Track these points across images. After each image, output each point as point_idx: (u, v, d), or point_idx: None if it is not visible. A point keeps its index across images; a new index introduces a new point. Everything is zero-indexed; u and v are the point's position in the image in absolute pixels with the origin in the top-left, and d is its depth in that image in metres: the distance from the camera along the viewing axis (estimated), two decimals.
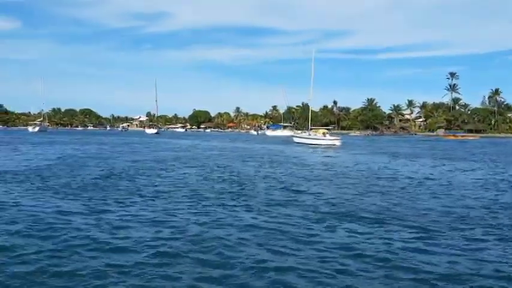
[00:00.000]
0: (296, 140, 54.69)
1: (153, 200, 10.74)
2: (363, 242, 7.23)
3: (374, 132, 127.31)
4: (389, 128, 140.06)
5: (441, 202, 11.25)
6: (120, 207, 9.80)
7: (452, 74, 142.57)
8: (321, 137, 49.75)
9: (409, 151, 38.59)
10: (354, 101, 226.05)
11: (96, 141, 49.81)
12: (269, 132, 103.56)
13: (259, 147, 43.45)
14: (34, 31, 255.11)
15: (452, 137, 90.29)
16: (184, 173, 16.97)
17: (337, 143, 47.04)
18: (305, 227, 8.15)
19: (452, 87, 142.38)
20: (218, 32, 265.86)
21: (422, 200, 11.49)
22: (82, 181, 13.98)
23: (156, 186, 13.25)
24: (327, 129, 56.53)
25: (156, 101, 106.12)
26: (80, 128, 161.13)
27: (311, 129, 56.73)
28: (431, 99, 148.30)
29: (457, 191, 13.32)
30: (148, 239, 7.13)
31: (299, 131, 65.42)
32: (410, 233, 7.89)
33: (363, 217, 9.12)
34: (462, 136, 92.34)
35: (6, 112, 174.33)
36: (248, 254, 6.45)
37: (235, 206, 10.20)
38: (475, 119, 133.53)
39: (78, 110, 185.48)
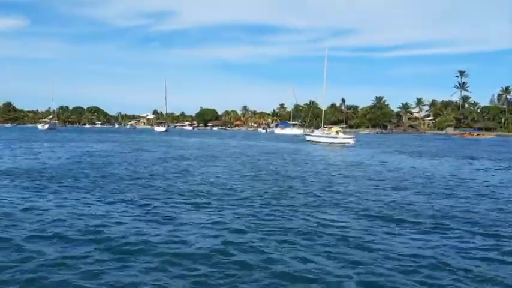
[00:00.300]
0: (308, 138, 54.11)
1: (196, 200, 10.32)
2: (434, 250, 6.75)
3: (383, 131, 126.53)
4: (398, 126, 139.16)
5: (493, 204, 10.74)
6: (168, 208, 9.35)
7: (462, 72, 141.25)
8: (335, 135, 49.23)
9: (428, 150, 37.93)
10: (362, 99, 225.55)
11: (109, 139, 49.55)
12: (278, 131, 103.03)
13: (273, 145, 42.97)
14: (43, 30, 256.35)
15: (468, 135, 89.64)
16: (215, 172, 16.51)
17: (351, 141, 46.51)
18: (365, 232, 7.67)
19: (462, 85, 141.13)
20: (225, 30, 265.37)
21: (472, 202, 10.95)
22: (113, 181, 13.56)
23: (191, 185, 12.84)
24: (341, 127, 55.88)
25: (166, 99, 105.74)
26: (87, 126, 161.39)
27: (324, 127, 56.21)
28: (440, 97, 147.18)
29: (503, 192, 12.80)
30: (208, 246, 6.67)
31: (309, 129, 64.90)
32: (480, 240, 7.39)
33: (420, 222, 8.60)
34: (478, 135, 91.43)
35: (15, 110, 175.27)
36: (320, 266, 5.93)
37: (281, 207, 9.71)
38: (485, 117, 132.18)
39: (85, 107, 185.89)
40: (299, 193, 11.83)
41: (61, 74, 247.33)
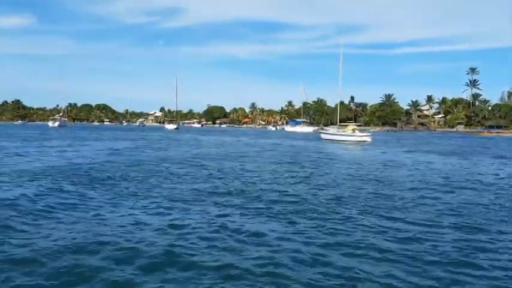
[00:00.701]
0: (324, 136, 53.39)
1: (259, 206, 9.60)
2: None
3: (394, 128, 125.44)
4: (408, 124, 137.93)
5: None
6: (244, 218, 8.53)
7: (473, 69, 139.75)
8: (351, 133, 48.48)
9: (453, 149, 37.05)
10: (371, 97, 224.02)
11: (124, 137, 49.09)
12: (288, 128, 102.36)
13: (290, 144, 42.11)
14: (51, 27, 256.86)
15: (486, 133, 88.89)
16: (257, 173, 15.75)
17: (368, 139, 45.77)
18: (470, 247, 6.86)
19: (473, 83, 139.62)
20: (233, 27, 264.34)
21: None
22: (159, 184, 12.84)
23: (243, 186, 12.09)
24: (356, 125, 55.07)
25: (176, 96, 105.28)
26: (96, 123, 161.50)
27: (340, 125, 55.50)
28: (450, 95, 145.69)
29: None
30: (307, 268, 6.01)
31: (318, 127, 64.10)
32: None
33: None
34: (497, 133, 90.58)
35: (24, 107, 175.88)
36: None
37: (347, 215, 8.99)
38: (496, 114, 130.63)
39: (93, 105, 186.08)
40: (355, 197, 11.07)
41: (67, 71, 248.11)
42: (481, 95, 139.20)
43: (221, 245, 6.73)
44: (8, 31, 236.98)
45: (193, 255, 6.26)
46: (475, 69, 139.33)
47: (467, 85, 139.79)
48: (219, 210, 9.17)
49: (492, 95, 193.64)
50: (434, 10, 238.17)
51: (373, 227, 8.03)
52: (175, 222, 8.07)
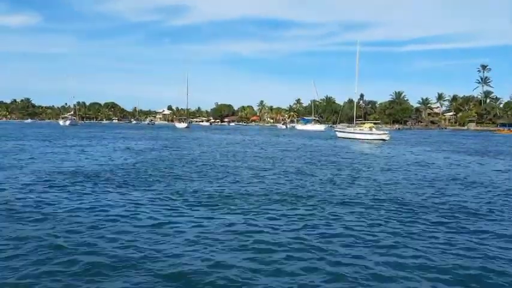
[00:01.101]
0: (340, 134, 52.74)
1: (342, 216, 8.69)
2: None
3: (404, 126, 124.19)
4: (419, 121, 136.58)
5: None
6: (321, 228, 7.74)
7: (484, 67, 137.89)
8: (369, 132, 47.70)
9: (477, 147, 35.99)
10: (380, 95, 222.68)
11: (139, 136, 48.44)
12: (299, 127, 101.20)
13: (310, 143, 41.09)
14: (58, 26, 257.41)
15: (506, 132, 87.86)
16: (303, 175, 14.80)
17: (386, 137, 45.00)
18: None
19: (484, 80, 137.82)
20: (237, 25, 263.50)
21: None
22: (201, 187, 12.01)
23: (303, 191, 11.27)
24: (374, 123, 54.15)
25: (187, 94, 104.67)
26: (105, 122, 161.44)
27: (356, 123, 54.68)
28: (460, 93, 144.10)
29: None
30: None
31: (330, 125, 63.27)
32: None
33: None
34: None
35: (33, 106, 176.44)
36: None
37: (425, 227, 8.20)
38: (508, 112, 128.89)
39: (102, 103, 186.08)
40: (423, 205, 10.23)
41: (74, 70, 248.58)
42: (492, 92, 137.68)
43: (324, 268, 5.89)
44: (14, 29, 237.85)
45: (293, 283, 5.38)
46: (486, 66, 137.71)
47: (479, 82, 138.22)
48: (292, 222, 8.34)
49: (504, 93, 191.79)
50: (441, 7, 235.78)
51: (476, 250, 7.17)
52: (252, 236, 7.25)
